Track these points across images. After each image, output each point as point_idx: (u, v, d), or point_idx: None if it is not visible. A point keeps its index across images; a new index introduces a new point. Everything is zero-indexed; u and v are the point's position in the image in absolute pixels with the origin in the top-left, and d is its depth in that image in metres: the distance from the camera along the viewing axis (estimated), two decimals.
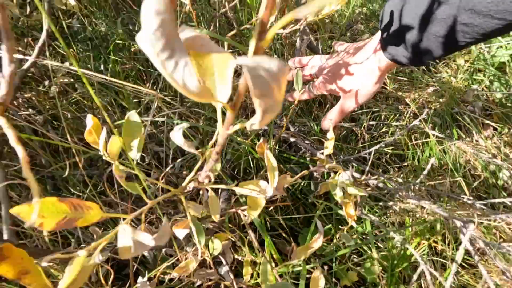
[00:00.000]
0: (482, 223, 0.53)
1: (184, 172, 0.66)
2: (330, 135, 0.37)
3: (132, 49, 0.85)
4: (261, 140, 0.29)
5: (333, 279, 0.63)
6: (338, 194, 0.35)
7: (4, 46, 0.13)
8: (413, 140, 0.71)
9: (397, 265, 0.60)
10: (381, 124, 0.77)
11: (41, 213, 0.18)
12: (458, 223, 0.36)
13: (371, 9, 1.14)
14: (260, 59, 0.09)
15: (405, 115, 0.71)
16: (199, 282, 0.51)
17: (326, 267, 0.67)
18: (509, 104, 0.77)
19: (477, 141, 0.74)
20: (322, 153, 0.66)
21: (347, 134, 0.80)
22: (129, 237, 0.18)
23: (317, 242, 0.29)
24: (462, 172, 0.72)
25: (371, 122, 0.78)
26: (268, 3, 0.11)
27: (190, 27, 0.12)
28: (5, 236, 0.33)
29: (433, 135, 0.66)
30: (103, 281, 0.35)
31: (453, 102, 0.77)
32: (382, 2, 1.16)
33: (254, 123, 0.12)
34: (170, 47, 0.10)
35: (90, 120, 0.27)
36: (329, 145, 0.34)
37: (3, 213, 0.35)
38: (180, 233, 0.26)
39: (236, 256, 0.50)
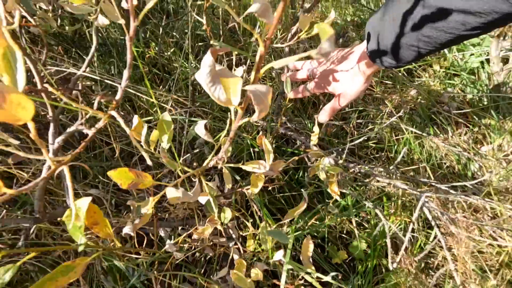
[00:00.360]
0: (444, 200, 0.63)
1: (194, 164, 0.76)
2: (316, 129, 0.47)
3: (147, 56, 0.96)
4: (260, 133, 0.39)
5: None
6: (321, 175, 0.46)
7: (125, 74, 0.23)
8: (394, 136, 0.81)
9: (378, 240, 0.71)
10: (368, 123, 0.87)
11: (119, 177, 0.28)
12: (415, 192, 0.46)
13: (362, 18, 1.24)
14: (256, 86, 0.20)
15: (383, 114, 0.81)
16: (210, 254, 0.61)
17: (319, 249, 0.77)
18: (481, 105, 0.87)
19: (451, 137, 0.85)
20: (315, 145, 0.76)
21: (337, 131, 0.90)
22: (175, 192, 0.28)
23: (303, 206, 0.39)
24: (438, 164, 0.83)
25: (358, 121, 0.88)
26: (261, 54, 0.21)
27: (220, 65, 0.22)
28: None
29: (411, 131, 0.76)
30: (136, 245, 0.46)
31: (431, 103, 0.87)
32: (371, 12, 1.27)
33: (255, 117, 0.22)
34: (213, 80, 0.20)
35: (136, 119, 0.38)
36: (314, 138, 0.45)
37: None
38: (203, 199, 0.36)
39: (240, 233, 0.60)
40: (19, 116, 0.14)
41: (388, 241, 0.51)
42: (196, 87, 0.86)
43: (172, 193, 0.28)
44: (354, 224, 0.62)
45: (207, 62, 0.19)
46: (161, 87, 0.91)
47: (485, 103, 0.88)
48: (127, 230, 0.29)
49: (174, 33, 1.00)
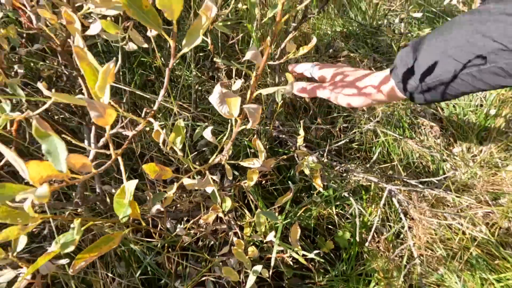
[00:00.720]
0: (418, 194, 0.73)
1: (197, 163, 0.86)
2: (302, 133, 0.57)
3: (154, 65, 1.05)
4: (255, 136, 0.49)
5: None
6: (306, 171, 0.56)
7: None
8: (375, 138, 0.91)
9: (360, 229, 0.80)
10: (353, 126, 0.97)
11: (148, 170, 0.37)
12: (385, 185, 0.56)
13: (350, 29, 1.34)
14: (250, 105, 0.29)
15: (365, 119, 0.91)
16: (213, 242, 0.71)
17: (309, 240, 0.87)
18: (454, 112, 0.98)
19: (427, 139, 0.95)
20: (304, 146, 0.86)
21: (326, 134, 1.00)
22: (190, 181, 0.38)
23: (289, 195, 0.49)
24: (415, 163, 0.93)
25: (345, 125, 0.98)
26: (253, 85, 0.31)
27: (227, 89, 0.32)
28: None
29: (389, 134, 0.87)
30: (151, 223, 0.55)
31: (409, 109, 0.98)
32: (359, 25, 1.37)
33: (249, 126, 0.32)
34: (221, 101, 0.30)
35: (156, 126, 0.47)
36: (300, 140, 0.54)
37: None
38: (209, 189, 0.45)
39: (238, 223, 0.70)
40: (108, 122, 0.23)
41: (357, 221, 0.61)
42: (198, 94, 0.95)
43: (188, 181, 0.37)
44: (335, 213, 0.72)
45: (217, 89, 0.29)
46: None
47: (456, 110, 0.98)
48: (158, 206, 0.38)
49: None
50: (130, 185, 0.31)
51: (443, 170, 0.90)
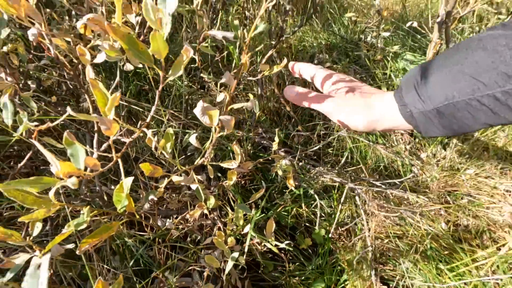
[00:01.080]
0: (384, 194, 0.82)
1: (186, 166, 0.94)
2: (276, 139, 0.65)
3: (147, 76, 1.13)
4: (235, 142, 0.57)
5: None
6: (280, 172, 0.64)
7: None
8: (352, 144, 1.01)
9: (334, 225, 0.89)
10: (331, 133, 1.06)
11: (144, 168, 0.45)
12: (350, 185, 0.65)
13: (333, 42, 1.45)
14: (225, 116, 0.38)
15: (339, 127, 1.01)
16: (199, 237, 0.78)
17: (289, 237, 0.95)
18: None
19: (397, 145, 1.05)
20: (285, 151, 0.95)
21: (306, 140, 1.09)
22: (178, 178, 0.46)
23: (262, 192, 0.57)
24: (386, 167, 1.02)
25: (323, 132, 1.08)
26: (228, 101, 0.39)
27: (207, 104, 0.40)
28: None
29: (362, 141, 0.96)
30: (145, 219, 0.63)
31: None
32: (341, 38, 1.48)
33: (225, 132, 0.41)
34: (203, 113, 0.38)
35: (149, 134, 0.55)
36: (275, 145, 0.63)
37: None
38: (194, 186, 0.53)
39: (221, 220, 0.78)
40: (113, 133, 0.31)
41: (317, 212, 0.70)
42: (189, 103, 1.03)
43: (176, 178, 0.45)
44: (311, 213, 0.81)
45: (200, 104, 0.37)
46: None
47: None
48: (152, 196, 0.46)
49: (170, 55, 1.18)
50: (127, 181, 0.38)
51: (411, 172, 1.00)
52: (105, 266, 0.73)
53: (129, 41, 0.30)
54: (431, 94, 0.31)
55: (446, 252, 0.78)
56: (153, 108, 0.41)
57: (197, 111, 0.38)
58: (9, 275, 0.41)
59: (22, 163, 0.42)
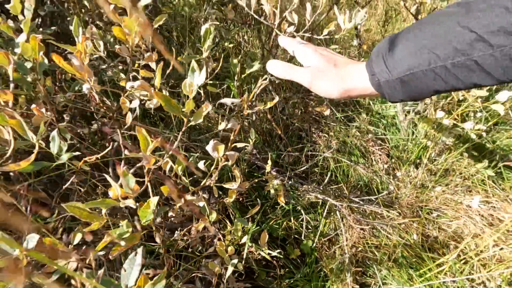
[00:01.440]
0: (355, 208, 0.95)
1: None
2: (269, 162, 0.77)
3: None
4: (234, 165, 0.69)
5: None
6: (272, 191, 0.76)
7: None
8: (335, 163, 1.13)
9: (319, 237, 1.00)
10: (318, 154, 1.19)
11: (164, 189, 0.56)
12: (327, 200, 0.77)
13: None
14: (231, 152, 0.50)
15: (322, 148, 1.14)
16: (200, 248, 0.88)
17: (280, 248, 1.05)
18: (397, 143, 1.22)
19: (376, 165, 1.18)
20: (276, 170, 1.07)
21: (295, 159, 1.21)
22: (191, 197, 0.57)
23: (257, 208, 0.69)
24: (366, 184, 1.15)
25: (311, 152, 1.20)
26: (230, 143, 0.51)
27: (216, 140, 0.52)
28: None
29: (344, 161, 1.09)
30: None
31: (364, 140, 1.21)
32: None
33: (229, 163, 0.52)
34: (213, 149, 0.50)
35: (166, 158, 0.66)
36: (268, 167, 0.75)
37: None
38: (201, 203, 0.64)
39: (221, 232, 0.88)
40: (150, 165, 0.43)
41: (304, 225, 0.81)
42: (191, 126, 1.15)
43: (189, 197, 0.57)
44: (299, 226, 0.92)
45: (211, 143, 0.49)
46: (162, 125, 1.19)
47: (398, 141, 1.23)
48: (170, 213, 0.57)
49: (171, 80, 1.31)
50: (154, 199, 0.49)
51: (387, 189, 1.13)
52: (116, 274, 0.82)
53: (166, 100, 0.42)
54: (396, 65, 0.35)
55: (415, 260, 0.90)
56: (176, 143, 0.52)
57: (209, 148, 0.50)
58: (54, 277, 0.51)
59: (66, 185, 0.52)
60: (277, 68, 0.47)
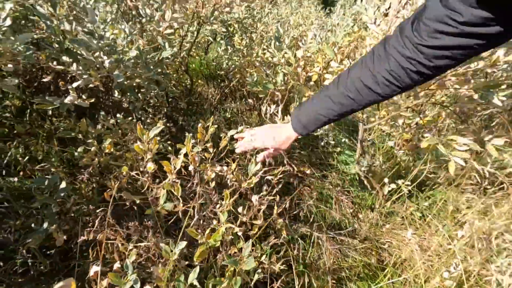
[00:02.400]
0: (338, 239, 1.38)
1: None
2: (276, 208, 1.22)
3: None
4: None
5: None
6: (278, 226, 1.19)
7: None
8: (316, 209, 1.59)
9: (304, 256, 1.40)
10: (303, 202, 1.64)
11: (191, 233, 0.97)
12: (314, 232, 1.20)
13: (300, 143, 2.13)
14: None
15: (307, 198, 1.60)
16: None
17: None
18: (359, 195, 1.71)
19: (344, 209, 1.65)
20: (277, 214, 1.50)
21: (289, 206, 1.65)
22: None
23: (273, 238, 1.10)
24: (339, 223, 1.59)
25: (297, 201, 1.65)
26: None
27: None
28: None
29: (322, 207, 1.55)
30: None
31: (334, 192, 1.70)
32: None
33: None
34: None
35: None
36: (275, 212, 1.19)
37: None
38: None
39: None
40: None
41: (295, 252, 1.23)
42: None
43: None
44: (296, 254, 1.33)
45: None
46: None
47: (358, 192, 1.73)
48: None
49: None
50: (181, 245, 0.90)
51: (352, 226, 1.58)
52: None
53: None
54: (300, 120, 0.79)
55: (372, 274, 1.33)
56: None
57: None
58: None
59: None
60: (240, 147, 0.93)
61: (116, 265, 0.69)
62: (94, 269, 0.69)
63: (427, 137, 1.11)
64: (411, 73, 0.56)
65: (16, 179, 1.16)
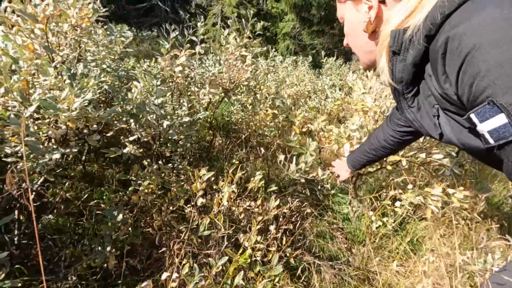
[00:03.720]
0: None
1: None
2: (284, 240, 1.50)
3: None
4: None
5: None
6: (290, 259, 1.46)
7: None
8: (316, 242, 1.86)
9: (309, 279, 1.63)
10: (307, 237, 1.91)
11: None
12: (316, 261, 1.46)
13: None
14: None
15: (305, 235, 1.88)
16: None
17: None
18: (352, 231, 2.01)
19: (339, 244, 1.93)
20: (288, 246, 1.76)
21: (294, 240, 1.92)
22: None
23: (280, 269, 1.37)
24: (335, 256, 1.86)
25: (299, 237, 1.92)
26: None
27: None
28: None
29: (320, 241, 1.83)
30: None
31: (330, 229, 1.99)
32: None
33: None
34: None
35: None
36: (273, 250, 1.47)
37: None
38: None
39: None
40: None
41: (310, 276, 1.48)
42: None
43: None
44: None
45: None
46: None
47: (350, 229, 2.02)
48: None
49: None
50: (223, 260, 1.18)
51: (347, 259, 1.84)
52: None
53: None
54: (352, 162, 1.37)
55: None
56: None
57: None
58: None
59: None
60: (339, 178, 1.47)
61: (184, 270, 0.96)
62: (165, 275, 0.96)
63: (409, 189, 1.46)
64: None
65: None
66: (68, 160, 1.52)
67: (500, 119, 0.46)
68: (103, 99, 1.56)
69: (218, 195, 1.17)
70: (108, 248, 1.23)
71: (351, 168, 1.36)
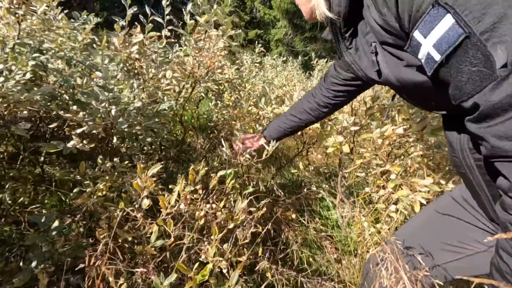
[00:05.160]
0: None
1: None
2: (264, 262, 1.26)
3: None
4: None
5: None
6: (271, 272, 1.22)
7: None
8: (301, 253, 1.62)
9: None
10: (288, 247, 1.68)
11: (180, 268, 1.01)
12: (299, 277, 1.23)
13: (284, 182, 2.23)
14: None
15: (291, 244, 1.64)
16: None
17: None
18: (342, 240, 1.77)
19: (327, 255, 1.69)
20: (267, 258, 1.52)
21: (275, 251, 1.68)
22: None
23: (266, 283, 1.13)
24: (323, 271, 1.62)
25: (283, 247, 1.69)
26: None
27: None
28: None
29: (305, 252, 1.59)
30: None
31: (317, 238, 1.75)
32: (289, 180, 2.29)
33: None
34: None
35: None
36: (260, 252, 1.23)
37: None
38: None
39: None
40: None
41: None
42: None
43: None
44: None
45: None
46: None
47: (340, 237, 1.79)
48: None
49: None
50: (172, 278, 0.95)
51: (336, 272, 1.61)
52: None
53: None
54: (268, 129, 1.30)
55: None
56: None
57: None
58: None
59: None
60: (236, 150, 1.38)
61: None
62: None
63: (392, 179, 1.25)
64: None
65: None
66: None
67: (446, 22, 0.44)
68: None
69: (167, 195, 0.94)
70: (34, 264, 0.98)
71: (267, 137, 1.29)
